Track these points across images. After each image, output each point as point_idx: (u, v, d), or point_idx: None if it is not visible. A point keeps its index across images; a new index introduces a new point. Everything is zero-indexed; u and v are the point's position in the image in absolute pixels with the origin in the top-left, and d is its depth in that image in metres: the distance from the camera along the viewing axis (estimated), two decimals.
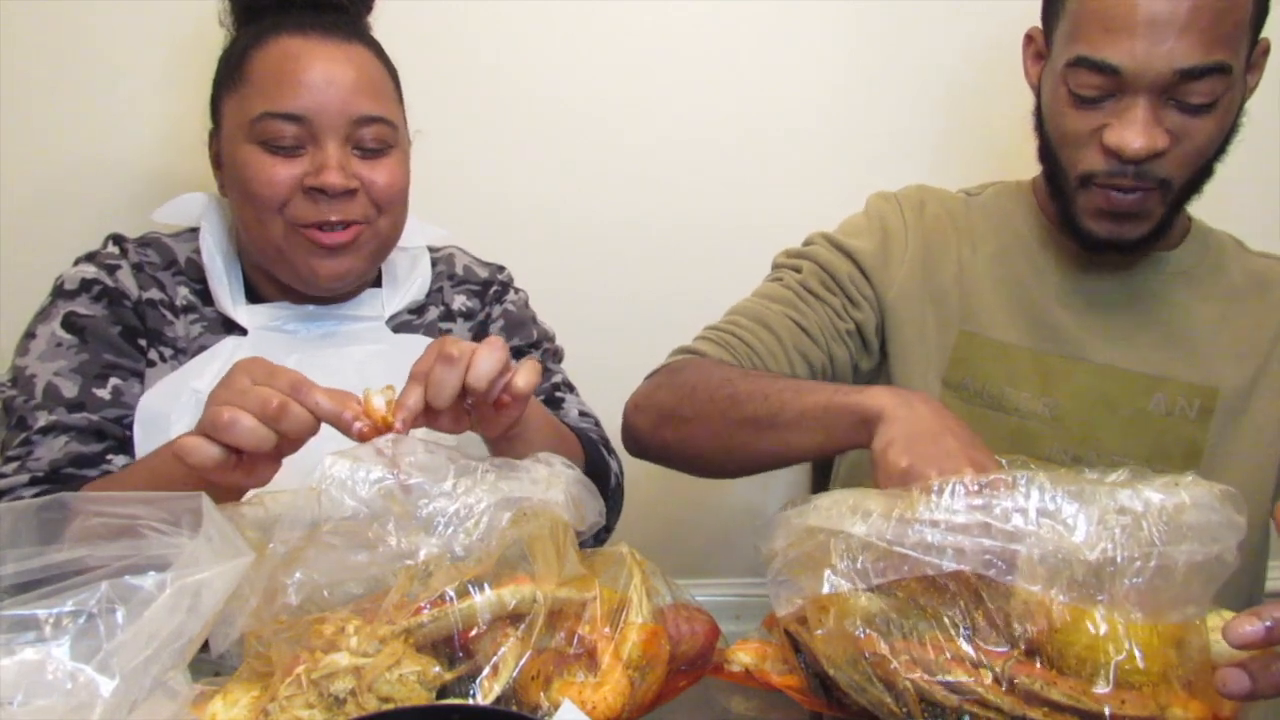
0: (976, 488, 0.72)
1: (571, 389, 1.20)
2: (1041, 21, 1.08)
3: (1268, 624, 0.63)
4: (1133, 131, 0.98)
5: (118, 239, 1.12)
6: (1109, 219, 1.04)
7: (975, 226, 1.18)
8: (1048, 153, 1.08)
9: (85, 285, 1.06)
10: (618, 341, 1.49)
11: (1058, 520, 0.70)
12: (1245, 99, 1.04)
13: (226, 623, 0.70)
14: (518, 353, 1.19)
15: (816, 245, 1.19)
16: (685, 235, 1.54)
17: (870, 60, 1.52)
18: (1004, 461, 0.91)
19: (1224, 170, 1.05)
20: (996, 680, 0.69)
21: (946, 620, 0.71)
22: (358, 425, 0.77)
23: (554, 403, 1.17)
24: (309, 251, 1.03)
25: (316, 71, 1.01)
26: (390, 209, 1.07)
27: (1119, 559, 0.69)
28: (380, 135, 1.04)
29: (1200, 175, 1.04)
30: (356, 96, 1.02)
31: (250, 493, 0.79)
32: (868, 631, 0.72)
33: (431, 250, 1.21)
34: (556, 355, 1.24)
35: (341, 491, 0.75)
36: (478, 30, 1.47)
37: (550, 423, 1.01)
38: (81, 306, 1.05)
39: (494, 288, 1.22)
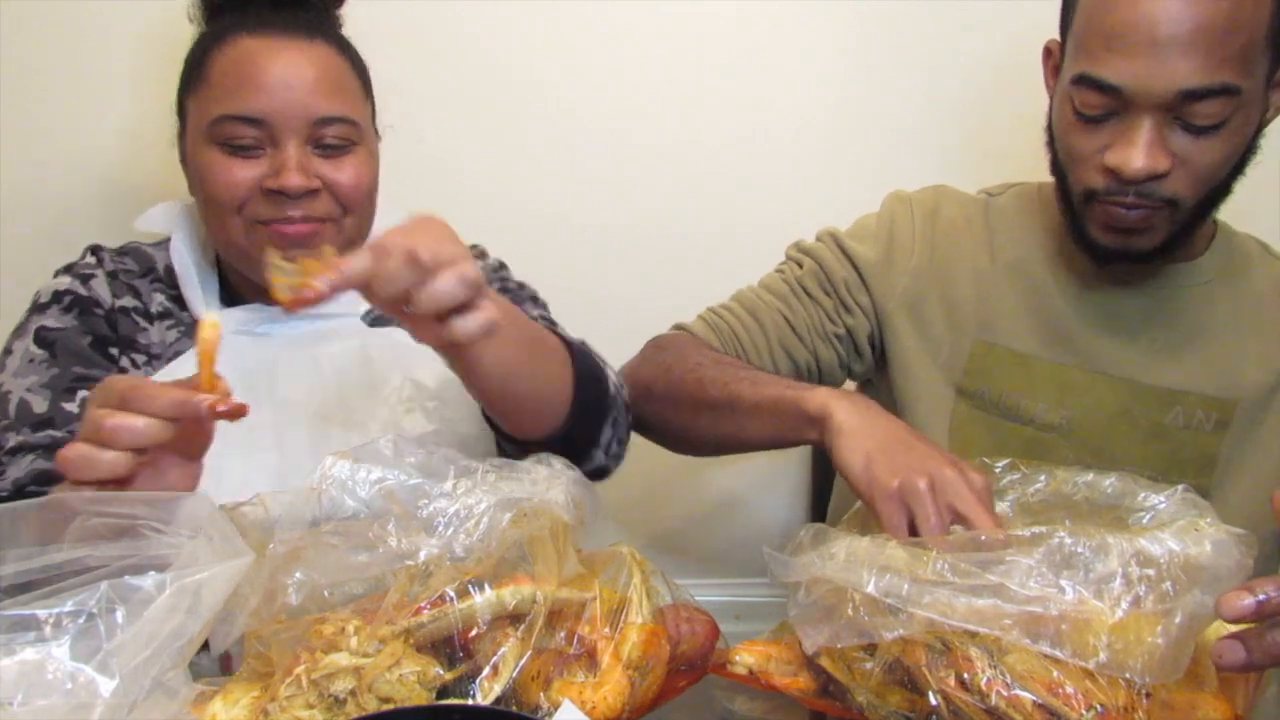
0: (992, 544, 0.74)
1: (553, 325, 1.15)
2: (1059, 35, 1.07)
3: (1260, 598, 0.65)
4: (1133, 152, 0.96)
5: (95, 249, 1.12)
6: (1115, 233, 1.02)
7: (995, 232, 1.17)
8: (1057, 167, 1.07)
9: (57, 297, 1.06)
10: (619, 343, 1.49)
11: (1077, 577, 0.71)
12: (1269, 118, 1.01)
13: (226, 623, 0.70)
14: None
15: (822, 244, 1.20)
16: (690, 237, 1.53)
17: (880, 63, 1.51)
18: (999, 465, 0.92)
19: (1251, 171, 1.03)
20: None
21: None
22: (204, 402, 0.73)
23: None
24: (269, 247, 1.02)
25: (274, 72, 1.00)
26: (356, 208, 1.05)
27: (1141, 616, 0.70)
28: (342, 134, 1.03)
29: (1216, 193, 1.02)
30: (316, 96, 1.01)
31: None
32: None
33: None
34: (535, 302, 1.20)
35: (342, 491, 0.75)
36: (477, 30, 1.46)
37: (527, 337, 0.93)
38: (52, 319, 1.05)
39: None
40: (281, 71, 1.00)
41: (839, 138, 1.53)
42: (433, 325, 0.79)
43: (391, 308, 0.78)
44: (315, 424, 1.04)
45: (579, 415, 0.98)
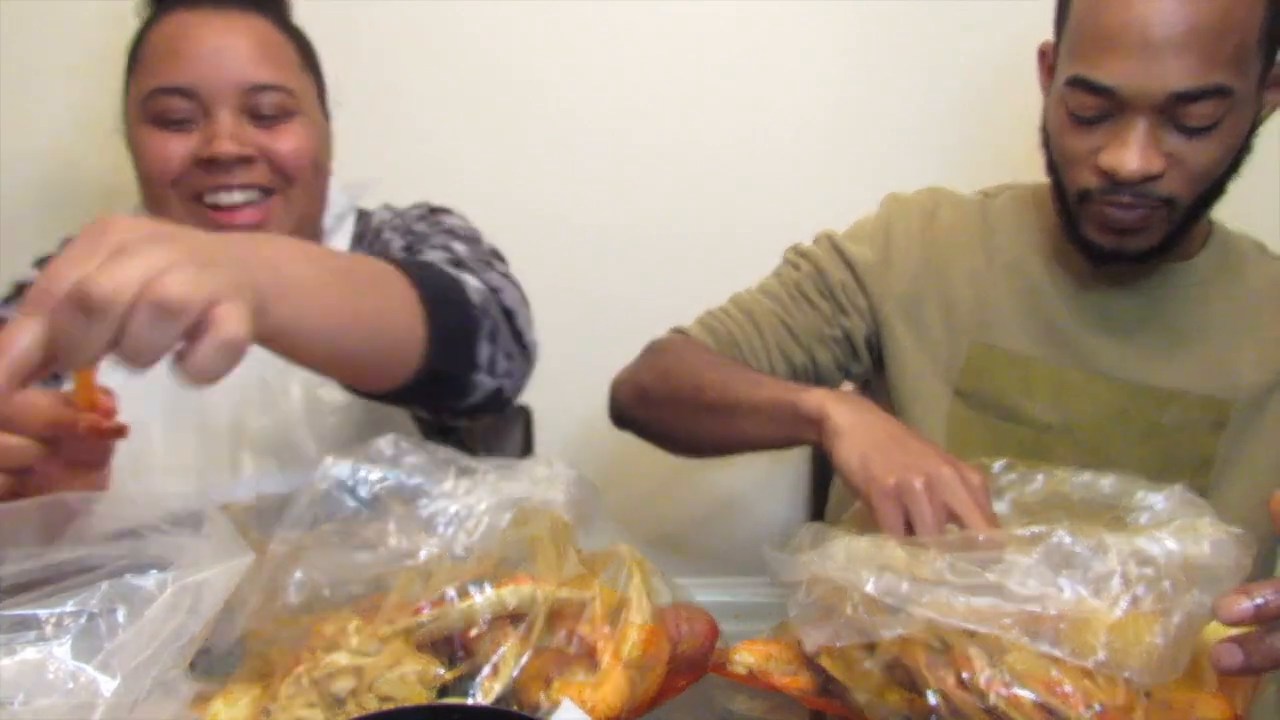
0: (993, 544, 0.74)
1: (460, 265, 1.00)
2: (1053, 36, 1.07)
3: (1257, 601, 0.64)
4: (1128, 154, 0.96)
5: (69, 242, 1.12)
6: (1111, 233, 1.03)
7: (992, 233, 1.17)
8: (1052, 167, 1.07)
9: (19, 289, 1.07)
10: (619, 343, 1.49)
11: (1076, 577, 0.71)
12: (1264, 117, 1.02)
13: (226, 623, 0.70)
14: (409, 252, 1.03)
15: (819, 247, 1.20)
16: (690, 237, 1.53)
17: (880, 63, 1.51)
18: (997, 465, 0.92)
19: (1248, 172, 1.03)
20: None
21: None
22: (80, 423, 0.67)
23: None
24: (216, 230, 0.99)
25: (205, 41, 0.99)
26: (301, 178, 1.02)
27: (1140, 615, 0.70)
28: (278, 103, 1.00)
29: (1211, 192, 1.02)
30: (248, 65, 0.99)
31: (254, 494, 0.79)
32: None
33: (364, 215, 1.16)
34: (453, 234, 1.08)
35: (342, 491, 0.76)
36: (477, 30, 1.47)
37: (335, 287, 0.72)
38: (12, 313, 1.05)
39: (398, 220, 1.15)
40: (212, 40, 0.99)
41: (839, 138, 1.53)
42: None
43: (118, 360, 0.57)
44: (234, 403, 1.03)
45: (440, 345, 0.84)
